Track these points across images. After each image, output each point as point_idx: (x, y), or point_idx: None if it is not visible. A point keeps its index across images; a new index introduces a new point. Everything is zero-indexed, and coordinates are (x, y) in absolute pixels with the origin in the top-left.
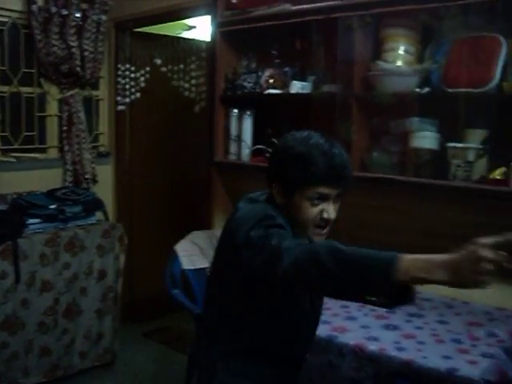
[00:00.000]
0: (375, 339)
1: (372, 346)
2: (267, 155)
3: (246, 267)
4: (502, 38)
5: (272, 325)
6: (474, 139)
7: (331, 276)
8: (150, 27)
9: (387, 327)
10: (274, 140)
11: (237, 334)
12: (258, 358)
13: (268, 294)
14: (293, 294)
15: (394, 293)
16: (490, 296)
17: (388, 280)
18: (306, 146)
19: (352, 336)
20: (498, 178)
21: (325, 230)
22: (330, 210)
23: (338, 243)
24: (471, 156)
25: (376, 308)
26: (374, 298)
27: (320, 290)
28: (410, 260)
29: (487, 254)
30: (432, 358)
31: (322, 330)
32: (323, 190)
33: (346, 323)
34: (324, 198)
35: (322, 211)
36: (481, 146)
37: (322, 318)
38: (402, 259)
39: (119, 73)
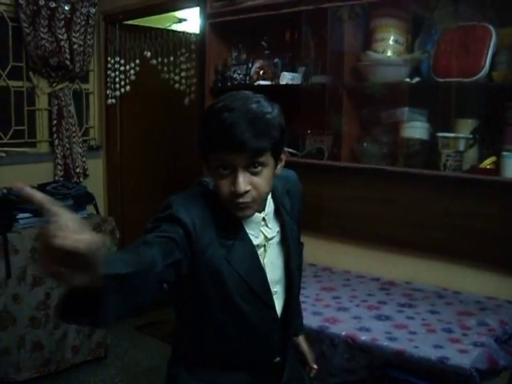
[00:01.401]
0: (367, 330)
1: (364, 337)
2: None
3: None
4: (491, 28)
5: (212, 331)
6: (464, 129)
7: None
8: (139, 20)
9: (379, 318)
10: None
11: (188, 341)
12: (216, 365)
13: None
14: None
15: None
16: (480, 285)
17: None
18: (214, 106)
19: (344, 327)
20: (489, 167)
21: (243, 206)
22: (236, 182)
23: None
24: (461, 146)
25: (367, 299)
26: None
27: None
28: None
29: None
30: (423, 347)
31: (314, 321)
32: (222, 156)
33: (338, 314)
34: (231, 168)
35: (231, 184)
36: (471, 136)
37: (314, 309)
38: None
39: (109, 66)
